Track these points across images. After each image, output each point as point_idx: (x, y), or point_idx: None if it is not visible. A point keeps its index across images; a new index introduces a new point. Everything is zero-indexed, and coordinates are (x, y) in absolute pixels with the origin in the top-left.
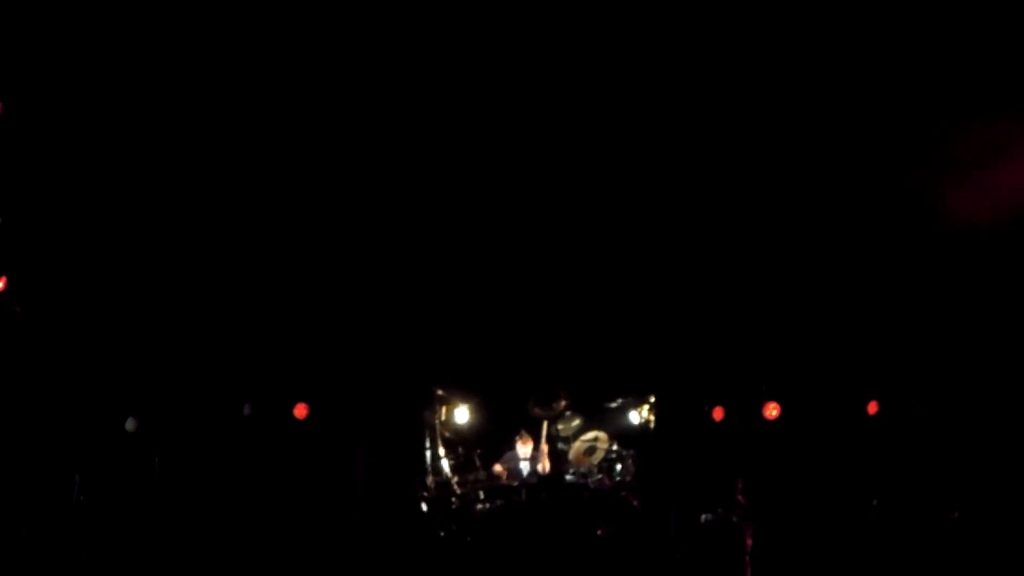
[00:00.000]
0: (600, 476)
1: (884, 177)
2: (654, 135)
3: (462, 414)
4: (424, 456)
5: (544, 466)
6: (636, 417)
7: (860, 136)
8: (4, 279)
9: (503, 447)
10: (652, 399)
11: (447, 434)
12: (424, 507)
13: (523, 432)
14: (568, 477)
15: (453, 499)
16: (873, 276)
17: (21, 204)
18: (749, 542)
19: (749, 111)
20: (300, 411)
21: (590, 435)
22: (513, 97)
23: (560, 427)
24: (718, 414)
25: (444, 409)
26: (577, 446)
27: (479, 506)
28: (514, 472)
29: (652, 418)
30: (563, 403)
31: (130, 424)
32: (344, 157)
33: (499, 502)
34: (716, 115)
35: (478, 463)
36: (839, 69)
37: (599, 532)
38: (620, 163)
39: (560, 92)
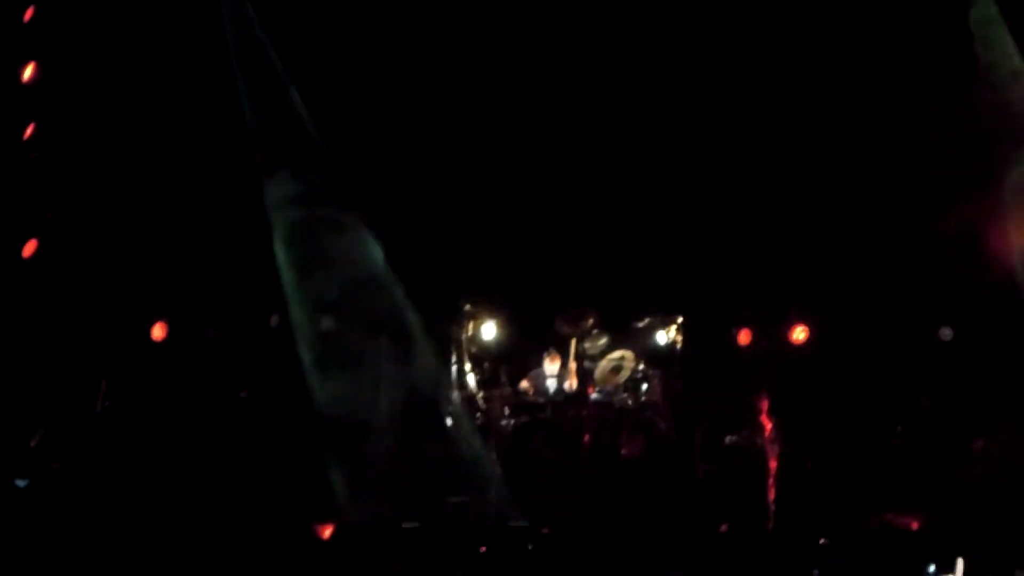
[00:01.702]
0: (625, 395)
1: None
2: (683, 46)
3: (489, 330)
4: (450, 371)
5: (571, 384)
6: (663, 337)
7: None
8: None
9: (530, 363)
10: (680, 319)
11: (473, 349)
12: (449, 422)
13: (551, 349)
14: (594, 396)
15: (478, 414)
16: (907, 200)
17: (52, 111)
18: (773, 465)
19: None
20: (327, 322)
21: (616, 354)
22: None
23: (587, 345)
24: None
25: (471, 324)
26: (603, 365)
27: (504, 422)
28: (540, 389)
29: (679, 339)
30: (591, 321)
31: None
32: (372, 65)
33: (524, 418)
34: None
35: (504, 379)
36: None
37: (623, 451)
38: (650, 74)
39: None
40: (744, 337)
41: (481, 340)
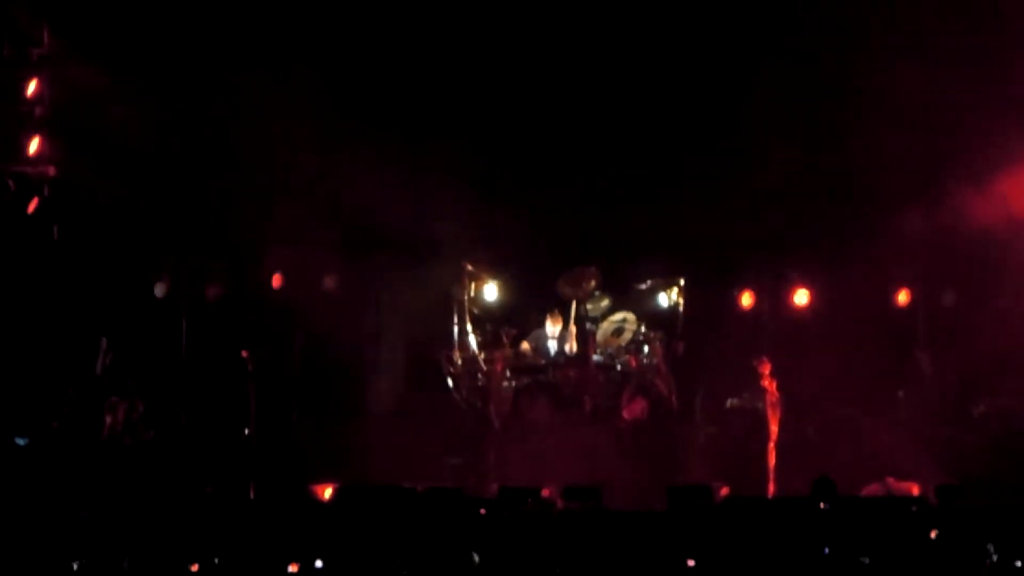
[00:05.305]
0: (627, 358)
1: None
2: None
3: (491, 291)
4: (452, 331)
5: (572, 346)
6: (665, 299)
7: None
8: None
9: (531, 325)
10: (682, 282)
11: (475, 310)
12: (450, 382)
13: (553, 311)
14: (595, 358)
15: (479, 375)
16: (907, 166)
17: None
18: (774, 428)
19: None
20: (329, 283)
21: (618, 316)
22: None
23: (589, 307)
24: None
25: (473, 285)
26: (605, 327)
27: (504, 383)
28: (541, 350)
29: (681, 301)
30: (593, 283)
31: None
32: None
33: (525, 380)
34: None
35: (505, 340)
36: None
37: (624, 414)
38: (658, 34)
39: None
40: (746, 300)
41: (483, 301)
